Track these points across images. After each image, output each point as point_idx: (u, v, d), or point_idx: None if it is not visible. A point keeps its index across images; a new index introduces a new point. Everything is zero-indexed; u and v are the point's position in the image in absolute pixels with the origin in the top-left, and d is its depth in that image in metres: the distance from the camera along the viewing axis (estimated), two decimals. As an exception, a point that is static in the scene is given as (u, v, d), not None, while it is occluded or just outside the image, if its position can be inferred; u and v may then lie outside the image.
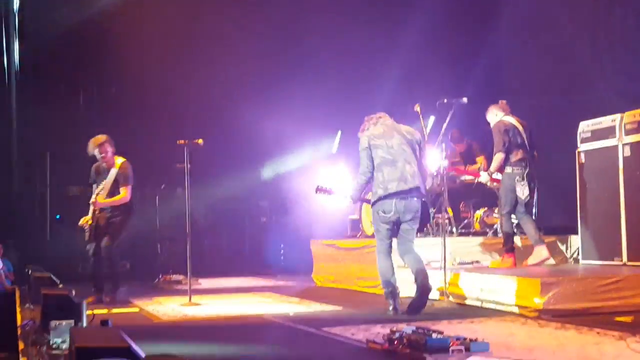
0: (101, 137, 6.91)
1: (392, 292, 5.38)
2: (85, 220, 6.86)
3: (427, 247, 7.14)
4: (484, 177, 7.09)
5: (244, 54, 10.43)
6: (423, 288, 5.28)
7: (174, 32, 9.97)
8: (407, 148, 5.39)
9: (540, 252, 6.61)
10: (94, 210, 6.83)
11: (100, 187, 6.90)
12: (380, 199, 5.28)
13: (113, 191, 6.85)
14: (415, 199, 5.30)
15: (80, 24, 9.89)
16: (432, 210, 8.00)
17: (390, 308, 5.35)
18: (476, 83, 10.14)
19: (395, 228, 5.37)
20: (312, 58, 10.58)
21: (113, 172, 6.88)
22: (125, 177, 6.85)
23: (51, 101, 10.24)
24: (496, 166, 6.73)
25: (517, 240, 7.11)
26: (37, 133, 9.99)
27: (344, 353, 3.94)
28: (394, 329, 3.95)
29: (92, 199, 6.82)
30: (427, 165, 5.69)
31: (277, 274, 10.13)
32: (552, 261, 6.92)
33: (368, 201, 5.72)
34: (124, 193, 6.83)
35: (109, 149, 6.89)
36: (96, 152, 6.89)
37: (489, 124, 7.05)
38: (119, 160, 6.96)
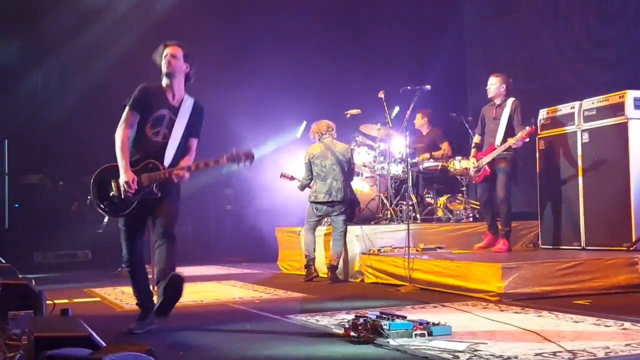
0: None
1: (309, 262, 7.15)
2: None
3: (392, 233, 7.23)
4: (511, 141, 6.58)
5: (208, 38, 10.30)
6: (332, 267, 7.02)
7: (138, 12, 9.80)
8: (336, 167, 7.13)
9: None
10: None
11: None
12: (313, 202, 7.21)
13: None
14: (339, 203, 7.10)
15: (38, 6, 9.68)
16: (396, 199, 8.10)
17: (305, 276, 7.11)
18: (439, 70, 10.22)
19: (322, 219, 7.46)
20: (276, 49, 10.51)
21: None
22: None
23: (8, 86, 9.99)
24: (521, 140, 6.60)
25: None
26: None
27: (309, 339, 3.95)
28: (359, 314, 3.98)
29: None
30: (353, 170, 7.49)
31: (242, 261, 10.10)
32: None
33: None
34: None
35: None
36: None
37: (485, 93, 6.92)
38: None
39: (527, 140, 6.59)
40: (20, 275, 5.49)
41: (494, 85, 6.84)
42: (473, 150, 7.09)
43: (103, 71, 9.94)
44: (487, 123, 6.96)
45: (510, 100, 6.78)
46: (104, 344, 2.11)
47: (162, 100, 4.32)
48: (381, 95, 8.24)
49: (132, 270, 4.35)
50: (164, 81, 4.33)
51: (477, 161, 6.93)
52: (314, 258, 7.21)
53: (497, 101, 6.86)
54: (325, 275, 7.17)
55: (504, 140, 6.67)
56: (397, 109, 8.49)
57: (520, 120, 6.68)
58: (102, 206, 4.27)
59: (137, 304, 4.41)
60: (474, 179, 7.10)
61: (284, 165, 8.64)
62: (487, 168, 6.80)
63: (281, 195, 9.41)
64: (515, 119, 6.71)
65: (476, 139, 7.13)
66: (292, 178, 7.96)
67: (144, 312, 4.34)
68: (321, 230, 7.61)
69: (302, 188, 7.49)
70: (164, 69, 4.28)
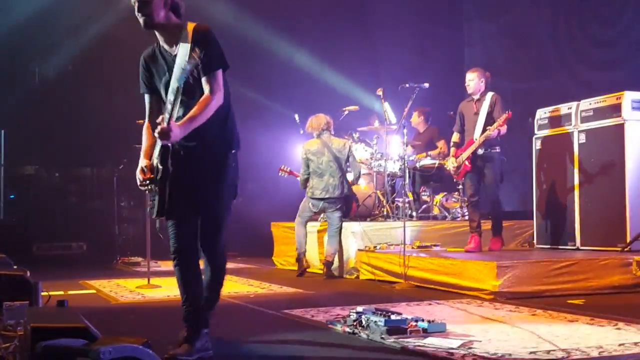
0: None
1: (300, 255, 7.25)
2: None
3: (388, 231, 7.24)
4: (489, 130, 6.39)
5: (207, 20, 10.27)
6: (327, 264, 7.05)
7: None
8: (333, 164, 7.12)
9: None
10: None
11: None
12: (310, 197, 7.21)
13: None
14: (336, 200, 7.09)
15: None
16: (392, 196, 8.11)
17: (297, 270, 7.24)
18: (437, 68, 10.23)
19: (318, 215, 7.57)
20: (274, 40, 10.49)
21: None
22: None
23: (6, 78, 9.96)
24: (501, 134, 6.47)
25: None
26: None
27: (304, 334, 3.96)
28: (354, 310, 3.99)
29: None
30: (356, 164, 7.41)
31: (237, 256, 10.09)
32: None
33: None
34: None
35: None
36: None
37: (465, 89, 6.81)
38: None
39: (505, 128, 6.40)
40: (15, 266, 5.47)
41: (473, 80, 6.73)
42: (452, 150, 6.86)
43: (103, 62, 9.92)
44: (466, 119, 6.77)
45: (490, 94, 6.64)
46: (100, 335, 2.11)
47: (164, 57, 3.33)
48: (379, 92, 8.24)
49: (178, 264, 3.41)
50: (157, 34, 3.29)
51: (456, 160, 6.73)
52: (305, 251, 7.31)
53: (476, 96, 6.71)
54: (320, 271, 7.18)
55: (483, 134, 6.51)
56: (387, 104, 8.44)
57: (500, 111, 6.50)
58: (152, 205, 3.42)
59: (183, 318, 3.30)
60: (455, 177, 7.00)
61: (278, 157, 8.64)
62: (467, 163, 6.57)
63: (277, 190, 9.41)
64: (495, 112, 6.53)
65: (455, 137, 6.88)
66: (290, 172, 7.93)
67: (190, 329, 3.25)
68: (315, 226, 7.63)
69: (304, 185, 7.35)
70: (140, 21, 3.21)
